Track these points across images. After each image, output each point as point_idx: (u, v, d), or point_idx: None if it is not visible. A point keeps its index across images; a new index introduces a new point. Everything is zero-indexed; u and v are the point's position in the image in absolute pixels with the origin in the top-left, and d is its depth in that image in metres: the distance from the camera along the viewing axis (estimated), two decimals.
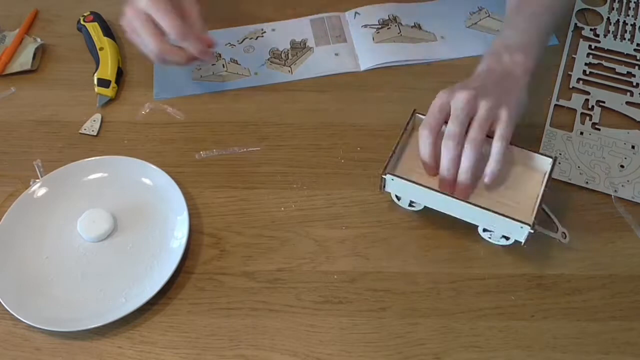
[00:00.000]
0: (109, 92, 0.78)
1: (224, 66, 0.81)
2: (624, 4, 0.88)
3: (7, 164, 0.72)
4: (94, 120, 0.75)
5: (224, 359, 0.58)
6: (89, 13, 0.85)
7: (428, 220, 0.66)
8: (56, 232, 0.66)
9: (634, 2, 0.88)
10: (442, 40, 0.83)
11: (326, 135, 0.74)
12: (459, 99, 0.60)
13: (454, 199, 0.60)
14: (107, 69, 0.79)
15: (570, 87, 0.77)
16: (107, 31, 0.83)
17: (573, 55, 0.81)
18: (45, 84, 0.81)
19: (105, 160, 0.70)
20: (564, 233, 0.63)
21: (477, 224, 0.63)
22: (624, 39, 0.83)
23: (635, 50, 0.81)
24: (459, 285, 0.62)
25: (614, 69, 0.79)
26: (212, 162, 0.72)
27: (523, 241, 0.60)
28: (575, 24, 0.85)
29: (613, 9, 0.87)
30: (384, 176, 0.62)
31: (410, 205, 0.66)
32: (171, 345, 0.59)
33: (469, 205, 0.60)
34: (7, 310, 0.59)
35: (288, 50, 0.83)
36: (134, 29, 0.69)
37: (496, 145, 0.60)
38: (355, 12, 0.87)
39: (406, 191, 0.64)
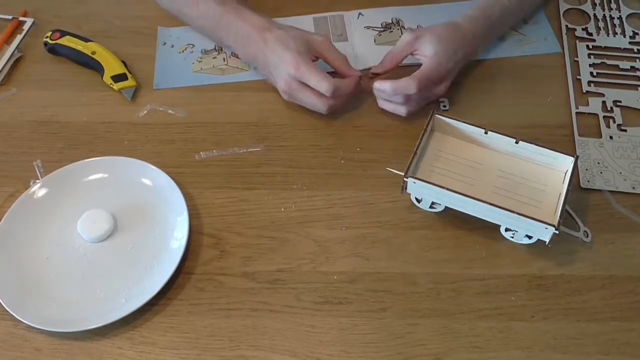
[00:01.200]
0: (131, 82, 0.78)
1: (224, 60, 0.82)
2: None
3: (7, 164, 0.72)
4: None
5: (224, 359, 0.58)
6: (51, 33, 0.82)
7: (428, 220, 0.66)
8: (56, 233, 0.66)
9: None
10: None
11: (326, 135, 0.74)
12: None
13: (477, 201, 0.60)
14: (114, 66, 0.79)
15: (584, 91, 0.77)
16: (84, 38, 0.82)
17: (575, 59, 0.81)
18: (45, 84, 0.81)
19: (105, 160, 0.70)
20: (586, 232, 0.64)
21: (500, 224, 0.63)
22: (616, 33, 0.83)
23: (630, 43, 0.82)
24: (459, 285, 0.62)
25: (618, 65, 0.80)
26: (212, 162, 0.72)
27: (547, 241, 0.60)
28: (566, 25, 0.85)
29: (596, 4, 0.87)
30: (406, 179, 0.62)
31: (431, 207, 0.66)
32: (171, 345, 0.59)
33: (493, 207, 0.60)
34: (7, 311, 0.59)
35: None
36: (292, 95, 0.73)
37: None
38: (359, 13, 0.87)
39: (428, 193, 0.64)
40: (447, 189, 0.61)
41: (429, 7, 0.87)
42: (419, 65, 0.72)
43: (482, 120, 0.68)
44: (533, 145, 0.64)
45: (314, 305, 0.61)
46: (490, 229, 0.65)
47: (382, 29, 0.85)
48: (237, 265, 0.64)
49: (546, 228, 0.59)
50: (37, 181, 0.69)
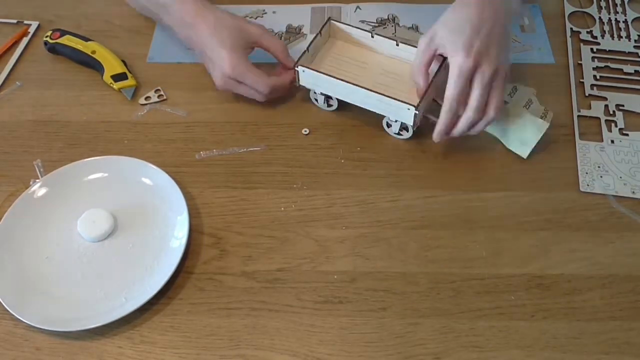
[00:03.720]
0: (131, 82, 0.78)
1: None
2: (610, 1, 0.88)
3: (7, 164, 0.72)
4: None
5: (223, 359, 0.58)
6: (51, 32, 0.83)
7: (428, 220, 0.66)
8: (56, 232, 0.66)
9: None
10: None
11: (326, 135, 0.74)
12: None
13: (355, 87, 0.68)
14: (114, 65, 0.79)
15: (587, 95, 0.77)
16: (84, 38, 0.82)
17: (579, 62, 0.80)
18: (45, 83, 0.81)
19: (105, 160, 0.70)
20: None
21: (376, 111, 0.70)
22: (621, 37, 0.83)
23: (634, 47, 0.82)
24: (459, 285, 0.62)
25: (621, 69, 0.79)
26: (212, 162, 0.72)
27: (411, 124, 0.68)
28: (571, 28, 0.84)
29: (601, 8, 0.87)
30: (296, 68, 0.71)
31: (328, 105, 0.74)
32: (171, 345, 0.59)
33: (366, 91, 0.68)
34: (8, 310, 0.59)
35: (282, 33, 0.85)
36: (228, 89, 0.74)
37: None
38: (357, 6, 0.88)
39: (317, 83, 0.72)
40: (331, 75, 0.69)
41: (428, 6, 0.87)
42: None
43: None
44: (411, 47, 0.72)
45: (314, 304, 0.61)
46: (490, 229, 0.65)
47: (377, 25, 0.85)
48: (237, 264, 0.64)
49: (408, 109, 0.66)
50: (37, 180, 0.69)
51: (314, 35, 0.74)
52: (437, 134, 0.67)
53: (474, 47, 0.63)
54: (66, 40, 0.81)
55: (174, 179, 0.67)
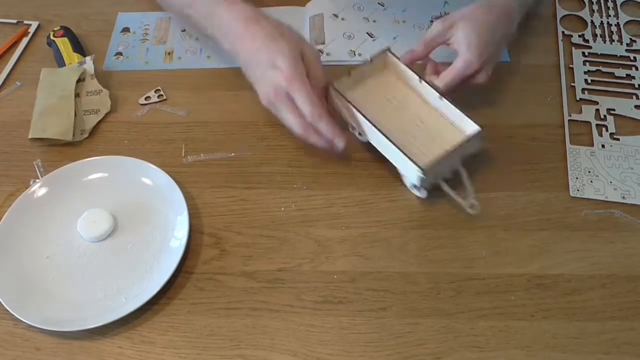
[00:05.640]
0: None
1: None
2: (602, 4, 0.88)
3: (7, 163, 0.73)
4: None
5: (223, 359, 0.58)
6: (59, 28, 0.83)
7: (428, 220, 0.66)
8: (56, 232, 0.66)
9: (612, 1, 0.88)
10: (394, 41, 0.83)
11: None
12: None
13: (374, 128, 0.64)
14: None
15: (578, 99, 0.77)
16: (77, 47, 0.82)
17: (570, 65, 0.80)
18: None
19: (105, 160, 0.70)
20: (474, 204, 0.64)
21: (390, 160, 0.66)
22: (613, 40, 0.83)
23: (626, 51, 0.82)
24: (459, 285, 0.62)
25: (613, 73, 0.79)
26: (212, 162, 0.72)
27: (416, 184, 0.64)
28: (563, 31, 0.84)
29: (593, 11, 0.87)
30: (330, 87, 0.67)
31: (359, 134, 0.68)
32: (171, 345, 0.59)
33: (382, 136, 0.64)
34: (7, 310, 0.59)
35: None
36: (273, 104, 0.66)
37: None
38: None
39: (343, 110, 0.67)
40: (353, 105, 0.65)
41: (391, 10, 0.87)
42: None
43: (482, 120, 0.68)
44: (450, 105, 0.67)
45: (314, 304, 0.61)
46: (490, 229, 0.65)
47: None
48: (237, 264, 0.64)
49: (417, 170, 0.62)
50: (37, 180, 0.69)
51: (364, 60, 0.70)
52: (409, 58, 0.71)
53: (484, 56, 0.68)
54: (61, 42, 0.82)
55: (174, 179, 0.67)
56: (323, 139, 0.66)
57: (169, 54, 0.82)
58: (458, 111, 0.67)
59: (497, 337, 0.58)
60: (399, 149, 0.63)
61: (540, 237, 0.64)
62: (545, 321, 0.59)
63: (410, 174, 0.64)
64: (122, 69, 0.81)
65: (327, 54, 0.81)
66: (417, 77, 0.69)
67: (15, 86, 0.80)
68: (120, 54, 0.83)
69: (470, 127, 0.66)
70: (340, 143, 0.65)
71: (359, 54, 0.81)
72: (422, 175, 0.62)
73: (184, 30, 0.84)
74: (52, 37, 0.82)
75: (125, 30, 0.85)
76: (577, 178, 0.69)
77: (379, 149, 0.67)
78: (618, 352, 0.57)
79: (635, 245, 0.64)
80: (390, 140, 0.64)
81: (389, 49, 0.71)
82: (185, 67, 0.80)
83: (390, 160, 0.66)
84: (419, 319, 0.60)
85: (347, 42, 0.82)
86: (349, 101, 0.66)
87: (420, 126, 0.68)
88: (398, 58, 0.71)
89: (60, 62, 0.80)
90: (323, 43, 0.82)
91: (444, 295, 0.61)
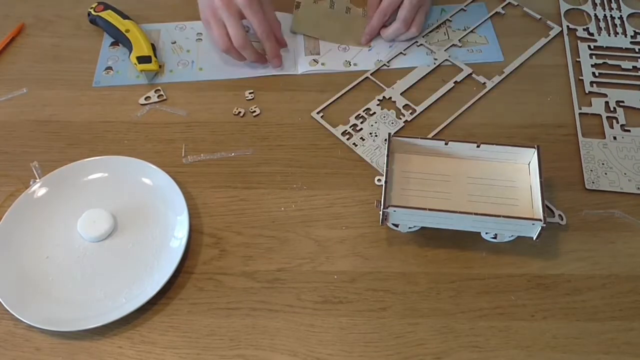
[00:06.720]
0: (153, 66, 0.79)
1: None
2: None
3: (7, 163, 0.73)
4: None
5: (223, 359, 0.58)
6: (97, 4, 0.85)
7: None
8: (56, 232, 0.66)
9: None
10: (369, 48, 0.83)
11: (326, 135, 0.74)
12: None
13: (464, 214, 0.59)
14: (142, 47, 0.80)
15: (587, 92, 0.77)
16: (124, 15, 0.84)
17: (577, 59, 0.80)
18: (45, 84, 0.81)
19: (105, 160, 0.70)
20: (561, 215, 0.64)
21: (485, 231, 0.63)
22: (617, 33, 0.83)
23: (631, 43, 0.82)
24: (459, 285, 0.62)
25: (619, 65, 0.79)
26: (212, 162, 0.72)
27: (535, 236, 0.60)
28: (568, 26, 0.85)
29: (596, 5, 0.87)
30: (386, 210, 0.60)
31: (409, 227, 0.64)
32: (171, 345, 0.59)
33: (479, 216, 0.59)
34: (7, 310, 0.59)
35: None
36: (216, 15, 0.74)
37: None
38: None
39: (410, 218, 0.62)
40: (431, 209, 0.60)
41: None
42: None
43: (482, 120, 0.68)
44: (494, 145, 0.64)
45: (314, 304, 0.61)
46: None
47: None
48: (237, 264, 0.64)
49: (533, 224, 0.59)
50: (37, 180, 0.69)
51: (385, 161, 0.63)
52: (366, 34, 0.82)
53: None
54: (107, 14, 0.84)
55: (174, 179, 0.67)
56: (254, 56, 0.77)
57: (160, 66, 0.81)
58: (501, 146, 0.64)
59: (497, 337, 0.58)
60: (508, 217, 0.59)
61: (540, 237, 0.64)
62: (545, 321, 0.59)
63: (524, 230, 0.60)
64: (114, 84, 0.80)
65: (322, 64, 0.81)
66: (441, 142, 0.65)
67: (21, 92, 0.80)
68: (110, 68, 0.82)
69: (526, 152, 0.64)
70: (277, 64, 0.78)
71: (354, 64, 0.81)
72: (543, 225, 0.59)
73: (174, 43, 0.84)
74: (93, 14, 0.84)
75: (114, 44, 0.85)
76: (591, 170, 0.69)
77: (460, 229, 0.62)
78: (618, 352, 0.57)
79: (636, 246, 0.64)
80: (493, 215, 0.59)
81: (390, 135, 0.65)
82: (177, 80, 0.80)
83: (482, 230, 0.63)
84: (419, 319, 0.60)
85: (342, 53, 0.82)
86: (417, 208, 0.60)
87: (475, 183, 0.64)
88: (405, 137, 0.66)
89: (114, 32, 0.83)
90: (318, 54, 0.82)
91: (444, 295, 0.61)
